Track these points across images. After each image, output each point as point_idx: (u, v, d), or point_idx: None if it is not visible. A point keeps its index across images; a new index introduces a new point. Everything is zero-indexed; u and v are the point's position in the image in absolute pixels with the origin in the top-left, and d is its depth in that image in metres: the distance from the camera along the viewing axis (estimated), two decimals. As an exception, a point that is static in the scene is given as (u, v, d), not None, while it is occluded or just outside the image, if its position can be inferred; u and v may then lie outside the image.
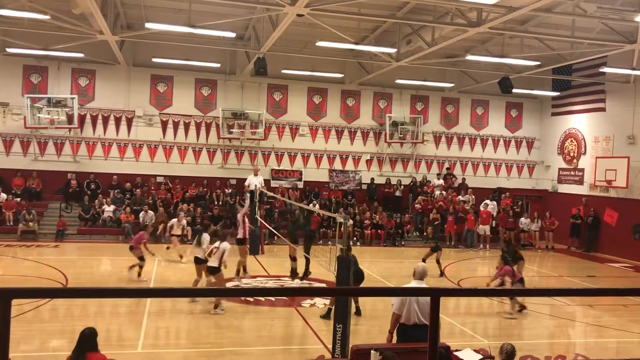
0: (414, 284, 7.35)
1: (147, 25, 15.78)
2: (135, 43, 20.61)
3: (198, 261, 12.14)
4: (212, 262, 11.26)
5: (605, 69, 18.95)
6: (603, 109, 22.18)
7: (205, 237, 12.37)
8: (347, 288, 7.10)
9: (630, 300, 13.44)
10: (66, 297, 12.52)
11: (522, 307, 12.08)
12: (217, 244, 11.33)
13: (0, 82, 20.74)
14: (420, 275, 7.37)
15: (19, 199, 19.82)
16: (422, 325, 7.13)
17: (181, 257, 16.02)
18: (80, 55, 19.54)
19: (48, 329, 9.91)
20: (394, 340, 7.28)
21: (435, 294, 2.74)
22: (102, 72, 21.65)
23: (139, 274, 13.75)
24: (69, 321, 10.41)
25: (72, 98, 20.87)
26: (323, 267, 11.01)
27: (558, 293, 3.43)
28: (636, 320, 12.38)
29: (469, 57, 18.70)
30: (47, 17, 15.27)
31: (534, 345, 10.29)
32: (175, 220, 17.72)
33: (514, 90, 20.76)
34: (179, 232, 17.57)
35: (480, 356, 7.67)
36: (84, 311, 10.93)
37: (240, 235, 14.10)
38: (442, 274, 15.56)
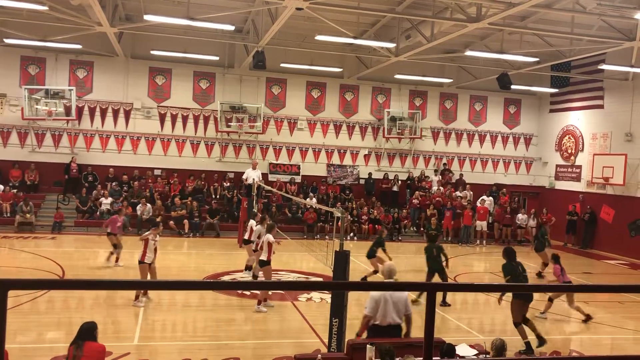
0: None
1: (146, 17, 15.72)
2: (134, 35, 20.53)
3: (245, 242, 13.48)
4: (262, 256, 11.32)
5: (604, 66, 18.98)
6: (601, 106, 22.20)
7: (252, 223, 13.13)
8: (342, 282, 7.09)
9: (626, 297, 13.50)
10: (64, 289, 12.54)
11: (588, 317, 11.42)
12: (263, 237, 11.43)
13: (-2, 72, 20.68)
14: (389, 274, 7.35)
15: (16, 191, 19.78)
16: (396, 325, 7.13)
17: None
18: (79, 46, 19.47)
19: (45, 321, 9.92)
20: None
21: (431, 289, 2.75)
22: (100, 64, 21.58)
23: (117, 260, 14.01)
24: (65, 313, 10.43)
25: (70, 90, 20.81)
26: (320, 262, 11.03)
27: (555, 289, 3.44)
28: (631, 317, 12.44)
29: (468, 53, 18.70)
30: (45, 7, 15.20)
31: (529, 341, 10.34)
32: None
33: (513, 87, 20.76)
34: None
35: (476, 351, 7.72)
36: (80, 303, 10.94)
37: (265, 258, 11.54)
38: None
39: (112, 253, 14.24)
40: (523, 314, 9.54)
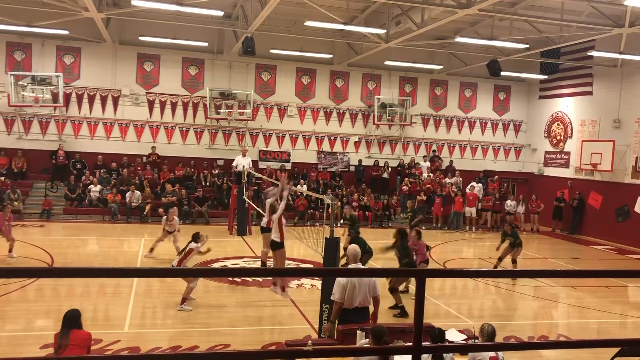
0: (351, 266, 7.33)
1: (134, 2, 15.49)
2: (122, 21, 20.27)
3: (262, 230, 12.57)
4: (274, 236, 10.26)
5: (593, 53, 19.01)
6: (590, 93, 22.31)
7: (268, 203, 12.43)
8: (333, 269, 7.12)
9: (612, 282, 13.68)
10: (55, 277, 12.47)
11: None
12: (273, 216, 10.36)
13: (-17, 59, 20.37)
14: (355, 258, 7.35)
15: (3, 178, 19.58)
16: (363, 308, 7.18)
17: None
18: (65, 32, 19.17)
19: (34, 309, 9.88)
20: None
21: (421, 275, 2.76)
22: (87, 50, 21.32)
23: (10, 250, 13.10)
24: (55, 301, 10.39)
25: (57, 76, 20.55)
26: (311, 249, 11.05)
27: (543, 274, 3.46)
28: (617, 301, 12.62)
29: (458, 39, 18.64)
30: (31, -8, 14.94)
31: (517, 325, 10.48)
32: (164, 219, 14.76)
33: (503, 73, 20.77)
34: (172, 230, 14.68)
35: (465, 336, 7.79)
36: (70, 291, 10.90)
37: (278, 239, 10.52)
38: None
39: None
40: (402, 283, 11.11)
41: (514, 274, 3.17)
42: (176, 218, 14.50)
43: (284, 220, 10.38)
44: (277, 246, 10.24)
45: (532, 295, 12.66)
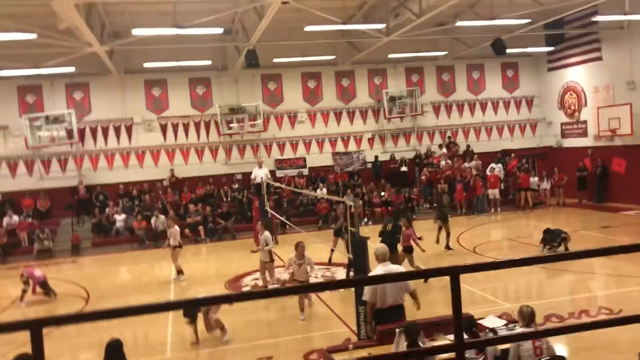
0: (380, 267, 7.16)
1: (134, 31, 15.71)
2: (125, 50, 20.51)
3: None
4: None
5: (598, 18, 18.73)
6: (599, 58, 21.99)
7: (268, 235, 12.36)
8: (365, 278, 7.05)
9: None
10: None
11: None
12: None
13: (-3, 106, 20.79)
14: (383, 257, 7.24)
15: (30, 219, 19.97)
16: (398, 306, 7.09)
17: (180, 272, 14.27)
18: (72, 69, 19.48)
19: (77, 344, 10.05)
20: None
21: (455, 272, 2.77)
22: (95, 83, 21.64)
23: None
24: (95, 333, 10.53)
25: (69, 113, 20.89)
26: (339, 251, 11.08)
27: (581, 255, 3.44)
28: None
29: (459, 24, 18.51)
30: (34, 35, 15.23)
31: (555, 302, 10.37)
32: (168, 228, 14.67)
33: (508, 51, 20.59)
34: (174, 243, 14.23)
35: (504, 321, 7.75)
36: (108, 321, 11.04)
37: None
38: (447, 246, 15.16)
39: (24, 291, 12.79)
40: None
41: (551, 259, 3.14)
42: (176, 227, 14.28)
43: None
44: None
45: (565, 269, 12.50)
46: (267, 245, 12.21)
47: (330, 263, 14.02)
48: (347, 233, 9.86)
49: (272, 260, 12.43)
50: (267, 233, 12.50)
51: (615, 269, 12.33)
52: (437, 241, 15.11)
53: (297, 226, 17.15)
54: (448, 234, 15.17)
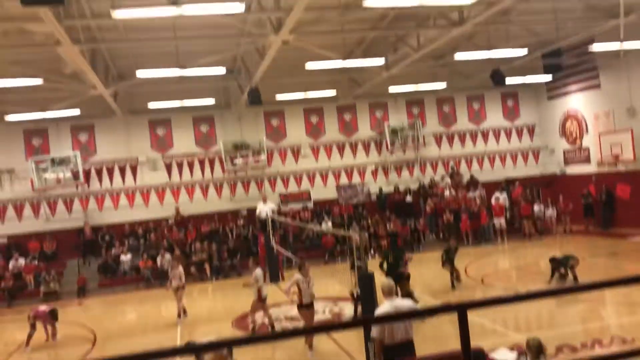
0: (387, 303, 6.94)
1: (138, 73, 15.98)
2: (129, 92, 20.86)
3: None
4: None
5: (594, 47, 18.93)
6: (598, 86, 22.20)
7: (259, 272, 12.02)
8: (371, 318, 7.02)
9: (657, 273, 13.33)
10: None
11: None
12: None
13: (3, 149, 21.02)
14: (390, 292, 7.04)
15: (37, 262, 19.98)
16: (407, 342, 6.88)
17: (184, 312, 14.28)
18: (77, 111, 19.76)
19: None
20: None
21: (462, 309, 2.78)
22: (100, 125, 21.91)
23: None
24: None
25: (75, 155, 21.10)
26: (346, 286, 11.02)
27: (590, 288, 3.43)
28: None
29: (457, 56, 18.67)
30: (41, 81, 15.52)
31: (567, 332, 10.23)
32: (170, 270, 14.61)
33: (507, 80, 20.78)
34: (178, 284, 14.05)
35: (516, 354, 7.65)
36: None
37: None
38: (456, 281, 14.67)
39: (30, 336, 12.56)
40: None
41: (557, 292, 3.08)
42: (180, 268, 14.12)
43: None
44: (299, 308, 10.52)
45: (576, 298, 12.36)
46: (257, 282, 11.84)
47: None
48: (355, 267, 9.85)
49: (260, 300, 11.90)
50: (258, 270, 12.10)
51: (627, 296, 12.17)
52: (453, 286, 14.42)
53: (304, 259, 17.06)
54: (451, 273, 14.68)
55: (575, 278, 13.47)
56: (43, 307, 13.09)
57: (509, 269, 17.79)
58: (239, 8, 10.66)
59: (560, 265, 13.66)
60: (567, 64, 22.69)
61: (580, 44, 20.23)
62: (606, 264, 15.90)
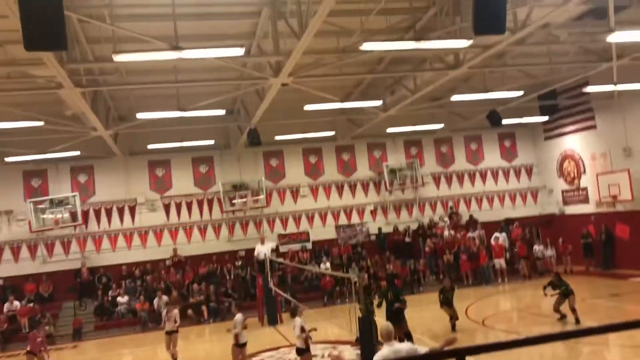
0: (386, 348, 6.71)
1: (138, 115, 16.15)
2: (129, 133, 20.99)
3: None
4: (299, 344, 10.44)
5: (589, 89, 19.23)
6: (594, 127, 22.43)
7: (239, 317, 11.76)
8: None
9: (660, 314, 13.18)
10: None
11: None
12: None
13: (2, 190, 21.01)
14: (388, 336, 6.83)
15: (32, 304, 19.70)
16: None
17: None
18: (77, 153, 19.87)
19: None
20: None
21: (461, 354, 2.74)
22: (99, 166, 21.98)
23: None
24: None
25: (74, 196, 21.08)
26: (345, 329, 10.87)
27: (595, 332, 3.39)
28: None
29: (454, 98, 18.94)
30: (41, 123, 15.65)
31: None
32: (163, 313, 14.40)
33: (504, 121, 21.00)
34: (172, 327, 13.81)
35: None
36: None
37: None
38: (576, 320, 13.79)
39: None
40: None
41: (560, 337, 3.03)
42: (176, 311, 13.84)
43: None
44: (301, 352, 10.43)
45: (579, 341, 12.17)
46: (234, 328, 11.59)
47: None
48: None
49: (236, 345, 11.63)
50: (238, 315, 11.85)
51: (630, 339, 11.98)
52: (453, 327, 14.17)
53: (302, 303, 16.86)
54: (451, 317, 14.46)
55: (577, 320, 13.32)
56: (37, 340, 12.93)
57: (509, 310, 17.58)
58: (239, 52, 10.86)
59: (560, 286, 13.71)
60: (562, 105, 23.01)
61: (575, 85, 20.57)
62: (607, 306, 15.73)
